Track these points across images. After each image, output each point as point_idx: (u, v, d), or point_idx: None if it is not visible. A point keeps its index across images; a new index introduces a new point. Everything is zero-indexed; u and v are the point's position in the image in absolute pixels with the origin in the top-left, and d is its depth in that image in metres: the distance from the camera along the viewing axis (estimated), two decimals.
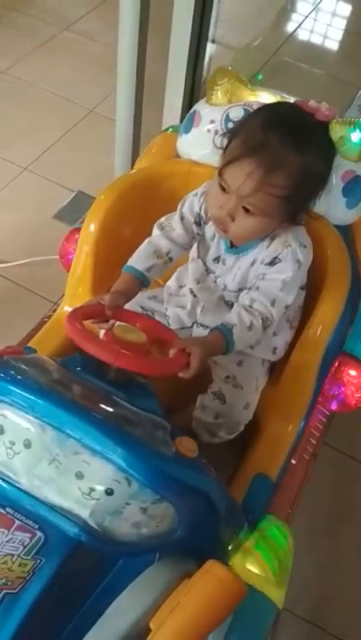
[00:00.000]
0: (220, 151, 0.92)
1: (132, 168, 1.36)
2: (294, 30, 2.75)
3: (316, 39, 2.78)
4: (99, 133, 2.07)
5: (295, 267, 0.94)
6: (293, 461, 1.12)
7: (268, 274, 0.95)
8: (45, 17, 2.55)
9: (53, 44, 2.44)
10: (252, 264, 0.98)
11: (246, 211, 0.89)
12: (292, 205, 0.90)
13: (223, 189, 0.90)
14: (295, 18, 2.85)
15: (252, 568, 0.90)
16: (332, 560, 1.34)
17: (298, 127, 0.89)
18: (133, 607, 0.74)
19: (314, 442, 1.18)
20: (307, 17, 2.82)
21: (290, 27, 2.78)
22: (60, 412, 0.73)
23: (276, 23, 2.82)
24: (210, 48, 1.69)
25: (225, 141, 0.92)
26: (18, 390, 0.75)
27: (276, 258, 0.95)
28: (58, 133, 2.10)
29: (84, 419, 0.72)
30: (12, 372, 0.77)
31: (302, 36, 2.75)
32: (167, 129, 1.39)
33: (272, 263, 0.95)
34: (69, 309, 1.19)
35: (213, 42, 2.17)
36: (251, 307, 0.92)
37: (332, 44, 2.81)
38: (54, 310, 1.27)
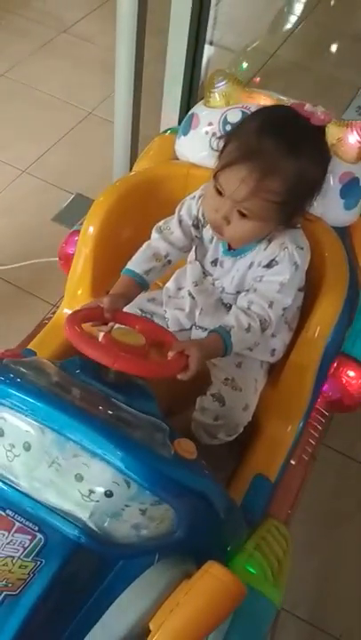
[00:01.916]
0: (217, 154, 0.93)
1: (130, 170, 1.37)
2: (292, 32, 2.76)
3: (314, 41, 2.79)
4: (97, 136, 2.07)
5: (292, 269, 0.95)
6: (293, 462, 1.13)
7: (265, 276, 0.96)
8: (43, 19, 2.55)
9: (51, 47, 2.44)
10: (250, 266, 0.98)
11: (242, 215, 0.90)
12: (288, 210, 0.91)
13: (219, 193, 0.90)
14: (293, 20, 2.87)
15: (252, 569, 0.91)
16: (332, 561, 1.34)
17: (293, 132, 0.89)
18: (133, 608, 0.75)
19: (313, 442, 1.19)
20: (304, 19, 2.83)
21: (288, 28, 2.79)
22: (59, 414, 0.73)
23: (274, 25, 2.84)
24: (208, 50, 1.71)
25: (221, 144, 0.92)
26: (17, 393, 0.75)
27: (273, 260, 0.95)
28: (56, 136, 2.10)
29: (82, 421, 0.72)
30: (11, 375, 0.78)
31: (301, 37, 2.76)
32: (166, 130, 1.40)
33: (269, 265, 0.96)
34: (69, 311, 1.20)
35: (211, 44, 2.18)
36: (249, 309, 0.93)
37: (330, 46, 2.82)
38: (54, 312, 1.28)
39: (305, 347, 1.06)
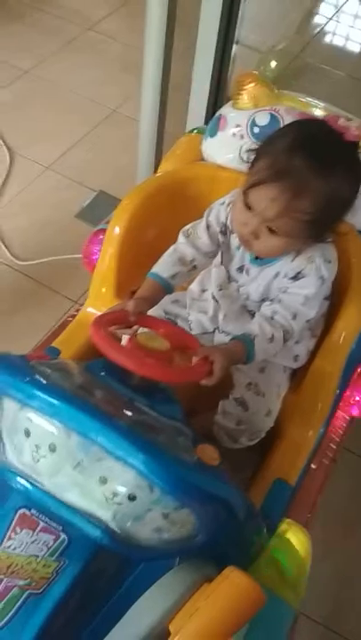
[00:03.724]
0: (246, 165, 0.92)
1: (155, 169, 1.37)
2: (317, 32, 2.75)
3: (339, 41, 2.78)
4: (121, 133, 2.07)
5: (318, 283, 0.94)
6: (313, 466, 1.13)
7: (290, 288, 0.95)
8: (68, 17, 2.55)
9: (76, 44, 2.44)
10: (276, 276, 0.98)
11: (271, 231, 0.89)
12: (317, 227, 0.90)
13: (248, 207, 0.90)
14: (318, 20, 2.85)
15: (271, 573, 0.91)
16: (348, 563, 1.34)
17: (325, 150, 0.88)
18: (153, 610, 0.75)
19: (334, 447, 1.18)
20: (330, 19, 2.82)
21: (313, 29, 2.78)
22: (85, 418, 0.73)
23: (299, 25, 2.82)
24: (233, 49, 1.69)
25: (252, 156, 0.92)
26: (43, 395, 0.76)
27: (299, 273, 0.95)
28: (80, 133, 2.11)
29: (107, 425, 0.73)
30: (38, 377, 0.78)
31: (325, 38, 2.75)
32: (192, 130, 1.39)
33: (296, 278, 0.95)
34: (93, 310, 1.21)
35: (237, 43, 2.16)
36: (272, 318, 0.93)
37: (355, 47, 2.80)
38: (77, 310, 1.29)
39: (329, 352, 1.06)
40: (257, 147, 0.92)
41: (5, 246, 1.77)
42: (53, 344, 1.18)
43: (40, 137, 2.07)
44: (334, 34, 2.78)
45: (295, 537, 1.00)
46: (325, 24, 2.78)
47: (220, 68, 1.61)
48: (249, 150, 0.93)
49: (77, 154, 2.04)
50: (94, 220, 1.77)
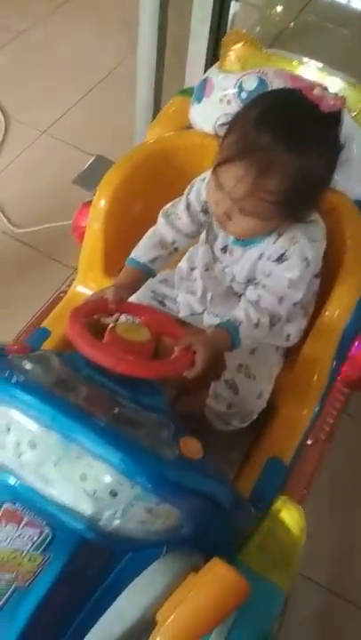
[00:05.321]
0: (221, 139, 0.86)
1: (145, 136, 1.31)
2: None
3: None
4: (118, 96, 2.00)
5: (303, 265, 0.90)
6: (309, 442, 1.11)
7: (275, 271, 0.91)
8: None
9: (71, 6, 2.34)
10: (260, 257, 0.94)
11: (241, 211, 0.84)
12: (290, 208, 0.85)
13: (219, 187, 0.85)
14: None
15: (262, 555, 0.91)
16: (352, 529, 1.34)
17: (295, 124, 0.81)
18: (139, 600, 0.76)
19: (331, 421, 1.17)
20: None
21: None
22: (63, 417, 0.72)
23: None
24: (233, 7, 1.60)
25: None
26: (22, 394, 0.75)
27: (283, 255, 0.90)
28: (76, 96, 2.04)
29: (84, 424, 0.72)
30: (17, 374, 0.77)
31: None
32: (183, 91, 1.31)
33: (279, 260, 0.91)
34: (82, 289, 1.19)
35: (237, 0, 2.03)
36: (258, 303, 0.89)
37: (359, 3, 2.59)
38: (69, 285, 1.26)
39: (323, 330, 1.03)
40: (228, 120, 0.86)
41: (2, 214, 1.74)
42: (43, 324, 1.16)
43: (36, 101, 2.01)
44: None
45: (289, 515, 0.99)
46: None
47: (218, 27, 1.53)
48: (222, 124, 0.87)
49: (74, 117, 1.98)
50: (92, 184, 1.71)
